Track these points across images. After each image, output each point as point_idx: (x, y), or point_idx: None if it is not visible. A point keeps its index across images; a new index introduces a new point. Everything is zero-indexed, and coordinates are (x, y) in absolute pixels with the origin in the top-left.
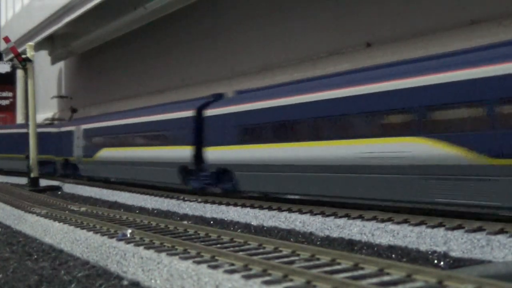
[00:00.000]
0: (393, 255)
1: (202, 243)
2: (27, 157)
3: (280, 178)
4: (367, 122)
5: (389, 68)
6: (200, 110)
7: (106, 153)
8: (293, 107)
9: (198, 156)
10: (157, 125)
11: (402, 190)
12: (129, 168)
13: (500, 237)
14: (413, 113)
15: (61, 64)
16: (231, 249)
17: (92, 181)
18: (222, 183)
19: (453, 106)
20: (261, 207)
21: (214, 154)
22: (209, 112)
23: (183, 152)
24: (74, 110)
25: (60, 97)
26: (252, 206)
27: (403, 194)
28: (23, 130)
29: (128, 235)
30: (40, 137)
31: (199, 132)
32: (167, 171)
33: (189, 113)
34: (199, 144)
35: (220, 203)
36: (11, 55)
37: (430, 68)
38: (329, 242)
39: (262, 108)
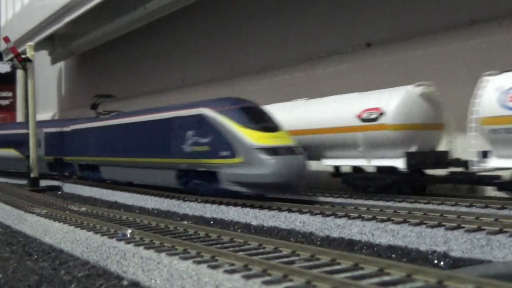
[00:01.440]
0: (393, 255)
1: (202, 243)
2: (27, 157)
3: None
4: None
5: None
6: None
7: None
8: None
9: None
10: None
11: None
12: None
13: (500, 237)
14: (14, 140)
15: (61, 64)
16: (231, 249)
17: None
18: None
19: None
20: (261, 207)
21: None
22: None
23: None
24: None
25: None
26: (252, 206)
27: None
28: None
29: (128, 235)
30: None
31: None
32: None
33: None
34: None
35: (220, 203)
36: (11, 55)
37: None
38: (329, 242)
39: None
